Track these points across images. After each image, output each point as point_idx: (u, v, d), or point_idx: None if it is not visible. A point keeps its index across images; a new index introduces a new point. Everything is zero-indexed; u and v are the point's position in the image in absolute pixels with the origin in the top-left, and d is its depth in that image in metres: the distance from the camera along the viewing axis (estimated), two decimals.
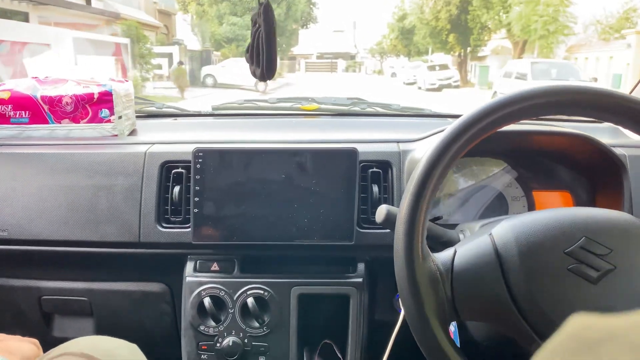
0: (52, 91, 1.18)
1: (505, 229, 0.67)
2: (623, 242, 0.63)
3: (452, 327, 0.91)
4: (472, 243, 0.69)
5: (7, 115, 1.17)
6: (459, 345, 0.76)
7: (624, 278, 0.61)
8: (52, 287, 1.11)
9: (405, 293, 0.64)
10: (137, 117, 1.35)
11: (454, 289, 0.65)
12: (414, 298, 0.62)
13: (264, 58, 0.87)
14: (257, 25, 0.87)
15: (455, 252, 0.68)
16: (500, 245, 0.66)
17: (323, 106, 1.45)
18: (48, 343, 0.83)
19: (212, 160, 0.97)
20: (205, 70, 19.57)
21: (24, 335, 0.81)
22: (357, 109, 1.44)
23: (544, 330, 0.62)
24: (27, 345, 0.79)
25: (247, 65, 0.94)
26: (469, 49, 24.98)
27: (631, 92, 1.28)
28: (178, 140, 1.11)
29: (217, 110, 1.50)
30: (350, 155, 0.98)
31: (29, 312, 1.13)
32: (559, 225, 0.65)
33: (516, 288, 0.63)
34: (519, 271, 0.63)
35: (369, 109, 1.45)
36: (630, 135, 1.17)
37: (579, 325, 0.26)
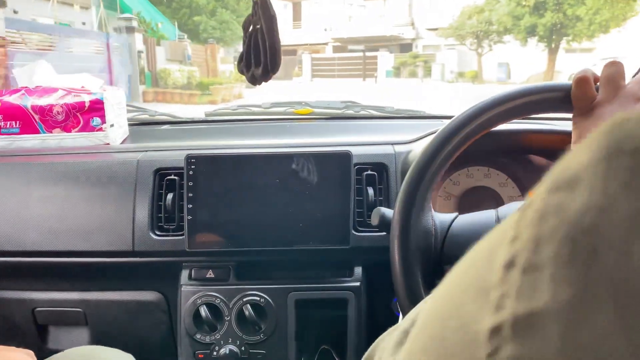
0: (42, 100, 1.16)
1: (511, 208, 0.69)
2: None
3: None
4: (476, 213, 0.71)
5: None
6: None
7: None
8: (46, 298, 1.09)
9: (394, 237, 0.65)
10: (129, 124, 1.34)
11: (445, 246, 0.67)
12: (402, 240, 0.63)
13: (266, 52, 0.82)
14: (252, 26, 0.84)
15: (457, 216, 0.70)
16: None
17: (317, 110, 1.44)
18: (43, 354, 0.82)
19: (205, 166, 0.96)
20: None
21: (18, 346, 0.80)
22: (351, 112, 1.44)
23: None
24: (22, 356, 0.78)
25: None
26: None
27: None
28: (170, 147, 1.10)
29: (210, 116, 1.49)
30: (344, 158, 0.97)
31: (23, 324, 1.11)
32: None
33: None
34: None
35: (362, 112, 1.44)
36: None
37: None
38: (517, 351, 0.17)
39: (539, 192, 0.19)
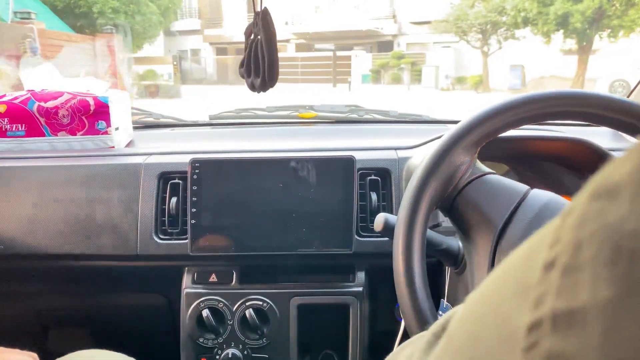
0: (48, 103, 1.17)
1: (542, 194, 0.69)
2: None
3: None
4: (511, 182, 0.71)
5: (3, 129, 1.16)
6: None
7: None
8: (51, 301, 1.10)
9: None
10: (134, 127, 1.34)
11: (466, 187, 0.68)
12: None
13: (265, 65, 0.84)
14: (252, 35, 0.85)
15: (493, 172, 0.71)
16: (528, 200, 0.68)
17: (321, 114, 1.44)
18: (47, 357, 0.82)
19: (209, 170, 0.96)
20: None
21: (22, 349, 0.80)
22: (355, 116, 1.44)
23: None
24: (26, 358, 0.78)
25: None
26: None
27: (628, 96, 1.28)
28: (175, 150, 1.10)
29: (214, 119, 1.49)
30: (347, 163, 0.97)
31: (27, 325, 1.12)
32: None
33: (509, 236, 0.64)
34: (520, 229, 0.64)
35: (367, 116, 1.44)
36: (630, 139, 1.16)
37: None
38: (557, 345, 0.17)
39: (580, 200, 0.19)
